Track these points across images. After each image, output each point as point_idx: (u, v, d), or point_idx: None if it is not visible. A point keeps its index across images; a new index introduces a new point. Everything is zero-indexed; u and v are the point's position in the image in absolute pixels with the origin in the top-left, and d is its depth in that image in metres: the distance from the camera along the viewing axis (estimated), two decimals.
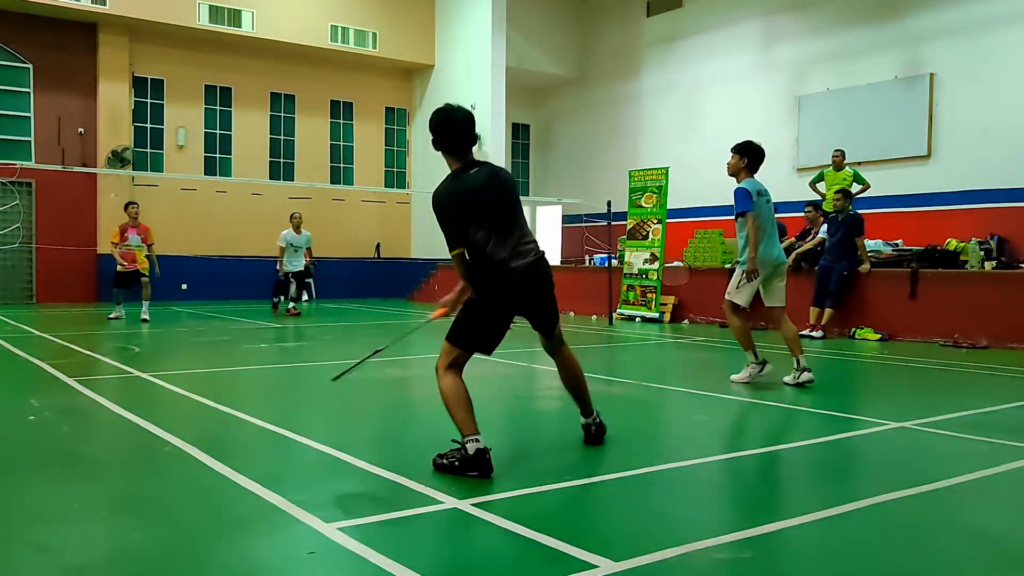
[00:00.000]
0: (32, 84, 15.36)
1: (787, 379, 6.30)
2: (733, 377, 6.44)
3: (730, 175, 6.42)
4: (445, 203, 3.91)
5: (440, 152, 4.02)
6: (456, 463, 3.65)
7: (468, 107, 4.09)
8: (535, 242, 4.06)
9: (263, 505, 3.20)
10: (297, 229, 13.54)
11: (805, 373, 6.22)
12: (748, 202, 6.19)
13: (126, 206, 12.22)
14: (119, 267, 11.94)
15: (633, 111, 18.28)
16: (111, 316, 11.92)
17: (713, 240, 12.86)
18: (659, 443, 4.81)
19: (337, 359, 8.32)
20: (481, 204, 3.86)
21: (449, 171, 3.98)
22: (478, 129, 4.02)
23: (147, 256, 12.03)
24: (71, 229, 15.53)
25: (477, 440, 3.62)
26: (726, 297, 6.50)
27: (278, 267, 13.72)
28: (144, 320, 11.53)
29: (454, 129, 3.95)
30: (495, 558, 2.73)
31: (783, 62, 15.26)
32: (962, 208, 12.53)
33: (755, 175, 6.37)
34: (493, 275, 3.87)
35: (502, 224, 3.90)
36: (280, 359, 8.03)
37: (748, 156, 6.32)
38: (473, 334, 3.90)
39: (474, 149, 4.04)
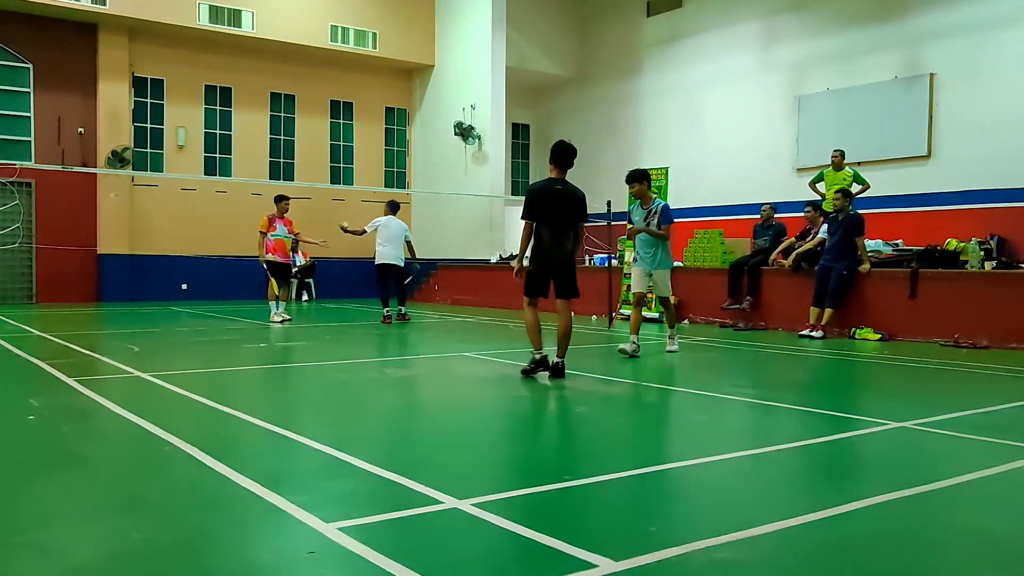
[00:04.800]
0: (32, 84, 15.36)
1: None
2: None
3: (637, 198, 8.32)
4: (531, 191, 6.66)
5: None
6: (530, 366, 6.52)
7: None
8: (571, 246, 6.63)
9: (263, 505, 3.20)
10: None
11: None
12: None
13: (278, 199, 11.80)
14: (271, 258, 11.52)
15: (633, 111, 18.27)
16: (278, 321, 11.41)
17: (713, 240, 12.85)
18: (659, 443, 4.81)
19: (337, 359, 8.32)
20: (545, 204, 6.53)
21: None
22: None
23: (295, 242, 11.99)
24: (71, 229, 15.54)
25: (539, 353, 6.52)
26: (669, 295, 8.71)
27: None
28: (286, 319, 11.58)
29: (555, 153, 6.64)
30: (495, 558, 2.73)
31: (783, 62, 15.26)
32: (962, 208, 12.53)
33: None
34: (538, 248, 6.58)
35: (555, 222, 6.53)
36: (280, 359, 8.03)
37: (649, 180, 8.40)
38: (529, 286, 6.63)
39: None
